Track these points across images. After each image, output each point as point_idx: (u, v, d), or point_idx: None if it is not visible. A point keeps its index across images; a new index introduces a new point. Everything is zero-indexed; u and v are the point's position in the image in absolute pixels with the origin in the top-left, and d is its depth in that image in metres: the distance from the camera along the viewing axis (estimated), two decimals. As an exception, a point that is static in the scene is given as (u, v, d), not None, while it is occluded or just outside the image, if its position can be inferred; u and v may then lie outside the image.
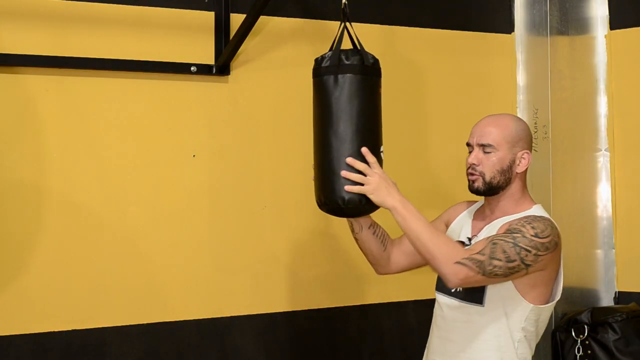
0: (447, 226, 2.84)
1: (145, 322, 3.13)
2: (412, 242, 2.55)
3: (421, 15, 3.69)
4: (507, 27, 3.89)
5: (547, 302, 2.64)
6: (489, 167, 2.66)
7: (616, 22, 3.82)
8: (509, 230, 2.56)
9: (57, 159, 2.99)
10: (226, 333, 3.26)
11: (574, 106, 3.84)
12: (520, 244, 2.52)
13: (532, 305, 2.61)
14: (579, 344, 3.55)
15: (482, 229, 2.71)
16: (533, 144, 3.81)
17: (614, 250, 3.82)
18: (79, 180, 3.03)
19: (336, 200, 2.56)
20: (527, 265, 2.53)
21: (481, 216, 2.76)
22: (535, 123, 3.81)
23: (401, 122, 3.62)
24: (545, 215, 2.68)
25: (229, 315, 3.26)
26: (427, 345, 2.81)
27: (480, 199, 2.83)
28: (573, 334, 3.57)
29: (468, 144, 2.71)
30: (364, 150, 2.56)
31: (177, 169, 3.19)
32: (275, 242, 3.35)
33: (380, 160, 2.61)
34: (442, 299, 2.72)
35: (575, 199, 3.82)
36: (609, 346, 3.51)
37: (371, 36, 3.48)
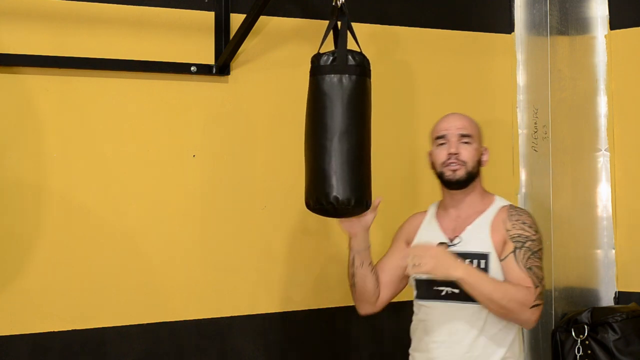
0: (408, 244, 2.86)
1: (145, 322, 3.13)
2: (483, 303, 2.63)
3: (421, 15, 3.69)
4: (507, 27, 3.89)
5: None
6: (470, 156, 2.75)
7: (616, 22, 3.82)
8: (518, 241, 2.69)
9: (56, 159, 2.99)
10: (226, 333, 3.26)
11: (574, 106, 3.84)
12: (535, 249, 2.69)
13: None
14: (579, 344, 3.55)
15: (458, 229, 2.75)
16: (533, 144, 3.83)
17: (614, 250, 3.82)
18: (79, 180, 3.03)
19: (328, 200, 2.57)
20: (542, 260, 2.73)
21: (447, 218, 2.81)
22: (535, 123, 3.81)
23: (401, 122, 3.62)
24: (508, 203, 2.81)
25: (229, 315, 3.26)
26: (416, 356, 2.81)
27: (426, 207, 2.86)
28: (573, 334, 3.57)
29: (441, 137, 2.76)
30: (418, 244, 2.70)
31: (177, 169, 3.19)
32: (275, 242, 3.35)
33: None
34: (434, 304, 2.74)
35: (575, 199, 3.82)
36: (609, 346, 3.51)
37: (371, 36, 3.48)
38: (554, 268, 3.71)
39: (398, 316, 3.54)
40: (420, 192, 3.61)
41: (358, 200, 2.60)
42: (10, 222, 2.93)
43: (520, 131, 3.88)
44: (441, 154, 2.75)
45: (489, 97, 3.84)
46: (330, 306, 3.44)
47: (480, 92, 3.82)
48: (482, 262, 2.67)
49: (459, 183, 2.74)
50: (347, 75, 2.60)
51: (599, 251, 3.84)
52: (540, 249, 2.71)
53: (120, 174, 3.10)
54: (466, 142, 2.75)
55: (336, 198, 2.57)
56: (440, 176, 2.77)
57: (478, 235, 2.72)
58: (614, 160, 3.82)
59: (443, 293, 2.71)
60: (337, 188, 2.58)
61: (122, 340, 3.09)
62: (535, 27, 3.85)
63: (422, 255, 2.59)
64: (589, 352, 3.53)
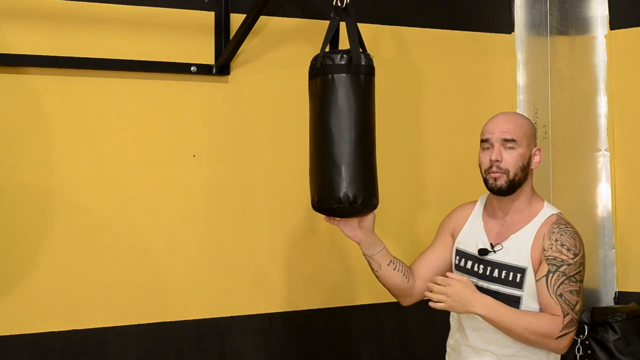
0: (453, 237, 2.82)
1: (145, 322, 3.13)
2: (508, 335, 2.59)
3: (421, 15, 3.69)
4: (507, 27, 3.89)
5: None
6: (512, 163, 2.64)
7: (616, 22, 3.82)
8: (553, 264, 2.59)
9: (56, 159, 2.99)
10: (226, 333, 3.26)
11: (574, 106, 3.84)
12: (571, 274, 2.59)
13: None
14: (579, 344, 3.55)
15: (502, 235, 2.69)
16: (533, 144, 3.83)
17: (614, 250, 3.82)
18: (78, 180, 3.03)
19: (334, 200, 2.57)
20: (582, 282, 2.62)
21: (493, 218, 2.74)
22: (535, 123, 3.81)
23: (401, 122, 3.62)
24: (557, 212, 2.70)
25: (228, 315, 3.26)
26: (450, 353, 2.79)
27: (476, 199, 2.81)
28: (573, 334, 3.57)
29: (485, 140, 2.67)
30: (440, 279, 2.59)
31: (177, 169, 3.19)
32: (275, 242, 3.35)
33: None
34: None
35: (575, 199, 3.82)
36: (609, 346, 3.51)
37: (371, 36, 3.48)
38: (554, 268, 3.71)
39: (398, 316, 3.55)
40: (423, 191, 3.61)
41: (365, 200, 2.60)
42: (11, 222, 2.93)
43: (520, 131, 3.87)
44: (485, 160, 2.66)
45: (489, 97, 3.84)
46: (330, 306, 3.44)
47: (480, 92, 3.82)
48: (519, 275, 2.62)
49: (501, 191, 2.64)
50: (357, 74, 2.60)
51: (599, 251, 3.84)
52: (579, 272, 2.59)
53: (120, 173, 3.10)
54: (510, 148, 2.63)
55: (346, 197, 2.57)
56: (484, 182, 2.69)
57: (520, 247, 2.65)
58: (614, 160, 3.82)
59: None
60: (345, 188, 2.57)
61: (122, 340, 3.09)
62: (535, 27, 3.85)
63: (442, 292, 2.56)
64: (589, 352, 3.53)
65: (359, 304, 3.50)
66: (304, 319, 3.41)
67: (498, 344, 2.65)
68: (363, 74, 2.61)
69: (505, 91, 3.88)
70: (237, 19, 3.20)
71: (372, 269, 2.77)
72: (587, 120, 3.86)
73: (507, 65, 3.88)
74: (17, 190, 2.94)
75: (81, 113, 3.04)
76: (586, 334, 3.54)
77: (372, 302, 3.49)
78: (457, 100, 3.75)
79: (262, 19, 3.16)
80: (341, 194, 2.57)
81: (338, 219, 2.71)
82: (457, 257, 2.77)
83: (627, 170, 3.80)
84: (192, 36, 3.21)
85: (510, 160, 2.63)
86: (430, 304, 2.57)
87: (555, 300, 2.56)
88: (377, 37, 3.54)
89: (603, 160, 3.85)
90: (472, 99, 3.79)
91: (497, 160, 2.63)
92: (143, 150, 3.14)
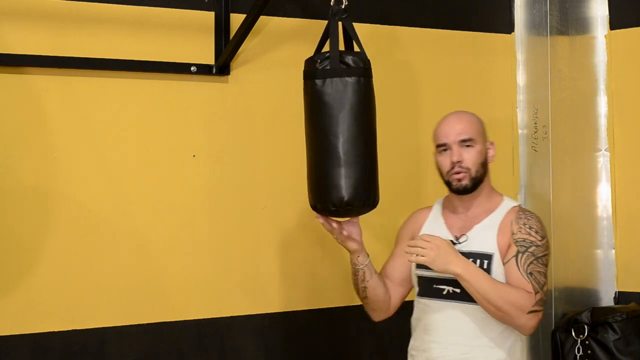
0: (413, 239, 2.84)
1: (145, 322, 3.13)
2: (480, 303, 2.61)
3: (421, 15, 3.69)
4: (507, 27, 3.89)
5: None
6: (473, 161, 2.71)
7: (616, 22, 3.82)
8: (522, 246, 2.65)
9: (57, 159, 2.99)
10: (226, 333, 3.26)
11: (574, 106, 3.84)
12: (539, 255, 2.65)
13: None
14: (579, 344, 3.55)
15: (466, 227, 2.74)
16: (533, 144, 3.83)
17: (614, 250, 3.82)
18: (78, 180, 3.03)
19: (331, 202, 2.57)
20: (547, 265, 2.68)
21: (454, 215, 2.79)
22: (535, 123, 3.81)
23: (401, 122, 3.62)
24: (517, 203, 2.78)
25: (229, 315, 3.26)
26: (415, 354, 2.81)
27: (433, 202, 2.85)
28: (573, 334, 3.57)
29: (443, 144, 2.74)
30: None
31: (177, 169, 3.19)
32: (275, 242, 3.35)
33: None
34: (434, 303, 2.73)
35: (575, 199, 3.82)
36: (609, 346, 3.51)
37: (371, 36, 3.48)
38: (554, 268, 3.71)
39: (398, 316, 3.54)
40: (422, 190, 3.61)
41: (366, 200, 2.61)
42: (11, 222, 2.93)
43: (520, 131, 3.88)
44: (445, 163, 2.73)
45: (489, 97, 3.84)
46: (330, 306, 3.44)
47: (480, 92, 3.82)
48: (485, 262, 2.66)
49: (466, 190, 2.71)
50: (355, 77, 2.60)
51: (599, 251, 3.84)
52: (545, 255, 2.66)
53: (120, 174, 3.10)
54: (468, 146, 2.71)
55: (346, 198, 2.57)
56: (447, 184, 2.75)
57: (485, 235, 2.70)
58: (614, 160, 3.82)
59: (444, 292, 2.70)
60: (345, 189, 2.58)
61: (122, 340, 3.09)
62: (535, 27, 3.85)
63: (425, 246, 2.58)
64: (589, 352, 3.54)
65: (359, 304, 3.49)
66: (303, 319, 3.41)
67: (465, 335, 2.68)
68: (361, 75, 2.61)
69: (505, 91, 3.88)
70: (237, 19, 3.20)
71: (365, 280, 2.77)
72: (587, 120, 3.86)
73: (507, 65, 3.88)
74: (17, 190, 2.94)
75: (81, 113, 3.04)
76: (586, 334, 3.54)
77: (372, 302, 3.49)
78: (457, 101, 3.74)
79: (262, 19, 3.16)
80: (341, 195, 2.58)
81: (335, 224, 2.70)
82: None
83: (627, 170, 3.80)
84: (192, 36, 3.21)
85: (470, 158, 2.71)
86: (411, 257, 2.57)
87: (526, 278, 2.61)
88: (376, 37, 3.54)
89: (603, 160, 3.85)
90: (472, 99, 3.79)
91: (459, 161, 2.70)
92: (143, 150, 3.14)
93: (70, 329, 3.01)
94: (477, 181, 2.71)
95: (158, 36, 3.15)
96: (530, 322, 2.60)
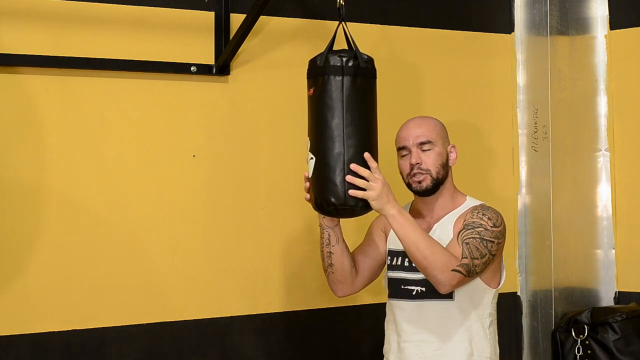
0: (385, 234, 2.87)
1: (145, 322, 3.13)
2: (409, 251, 2.60)
3: (421, 15, 3.69)
4: (507, 27, 3.89)
5: (499, 283, 2.77)
6: (432, 163, 2.74)
7: (616, 22, 3.82)
8: (470, 226, 2.66)
9: (56, 159, 2.99)
10: (226, 333, 3.27)
11: (574, 106, 3.84)
12: (485, 237, 2.64)
13: (494, 289, 2.74)
14: (579, 344, 3.55)
15: (429, 228, 2.76)
16: (533, 144, 3.83)
17: (614, 250, 3.82)
18: (79, 180, 3.03)
19: (333, 201, 2.57)
20: (493, 255, 2.66)
21: (419, 217, 2.81)
22: (535, 123, 3.82)
23: (401, 123, 3.61)
24: (480, 202, 2.78)
25: (229, 315, 3.27)
26: (390, 358, 2.81)
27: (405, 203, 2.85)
28: (573, 334, 3.58)
29: (402, 148, 2.76)
30: (367, 155, 2.58)
31: (177, 169, 3.19)
32: (275, 242, 3.35)
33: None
34: (405, 304, 2.75)
35: (575, 199, 3.82)
36: (609, 346, 3.51)
37: (370, 36, 3.48)
38: (554, 268, 3.72)
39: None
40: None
41: (366, 203, 2.61)
42: (10, 222, 2.93)
43: (520, 131, 3.88)
44: (405, 166, 2.76)
45: (489, 97, 3.84)
46: (330, 306, 3.44)
47: (480, 92, 3.82)
48: None
49: (427, 192, 2.75)
50: (358, 77, 2.60)
51: (599, 251, 3.84)
52: (492, 241, 2.64)
53: (120, 174, 3.10)
54: (427, 149, 2.73)
55: (345, 198, 2.57)
56: (408, 187, 2.78)
57: (444, 229, 2.73)
58: (614, 160, 3.83)
59: (413, 292, 2.73)
60: (348, 189, 2.58)
61: (122, 340, 3.09)
62: (535, 27, 3.85)
63: (371, 179, 2.56)
64: (589, 352, 3.54)
65: (359, 304, 3.50)
66: (304, 319, 3.41)
67: (435, 332, 2.69)
68: (363, 75, 2.62)
69: (505, 91, 3.88)
70: (237, 19, 3.20)
71: (330, 244, 2.75)
72: (587, 120, 3.86)
73: (507, 65, 3.89)
74: (17, 190, 2.94)
75: (81, 113, 3.04)
76: (586, 334, 3.55)
77: (372, 302, 3.49)
78: (457, 101, 3.75)
79: (262, 19, 3.16)
80: (342, 195, 2.58)
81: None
82: (389, 257, 2.83)
83: (627, 170, 3.80)
84: (192, 36, 3.21)
85: (429, 160, 2.73)
86: (351, 191, 2.56)
87: (460, 244, 2.62)
88: (376, 37, 3.54)
89: (603, 160, 3.85)
90: (472, 99, 3.79)
91: (418, 163, 2.73)
92: (143, 150, 3.14)
93: (70, 329, 3.01)
94: (438, 182, 2.74)
95: (158, 36, 3.15)
96: (451, 280, 2.57)
